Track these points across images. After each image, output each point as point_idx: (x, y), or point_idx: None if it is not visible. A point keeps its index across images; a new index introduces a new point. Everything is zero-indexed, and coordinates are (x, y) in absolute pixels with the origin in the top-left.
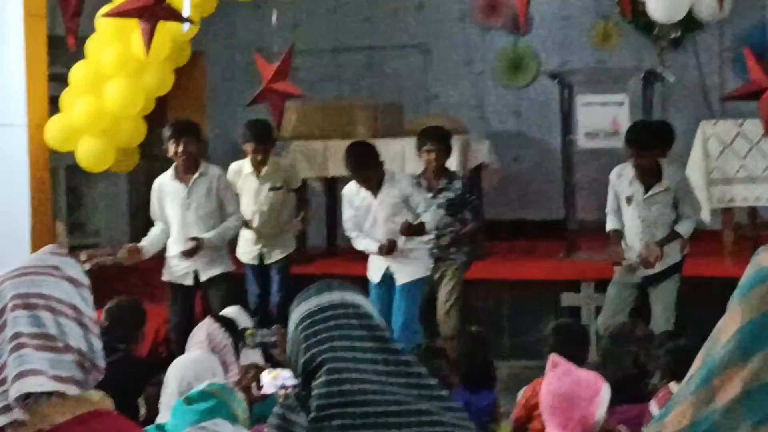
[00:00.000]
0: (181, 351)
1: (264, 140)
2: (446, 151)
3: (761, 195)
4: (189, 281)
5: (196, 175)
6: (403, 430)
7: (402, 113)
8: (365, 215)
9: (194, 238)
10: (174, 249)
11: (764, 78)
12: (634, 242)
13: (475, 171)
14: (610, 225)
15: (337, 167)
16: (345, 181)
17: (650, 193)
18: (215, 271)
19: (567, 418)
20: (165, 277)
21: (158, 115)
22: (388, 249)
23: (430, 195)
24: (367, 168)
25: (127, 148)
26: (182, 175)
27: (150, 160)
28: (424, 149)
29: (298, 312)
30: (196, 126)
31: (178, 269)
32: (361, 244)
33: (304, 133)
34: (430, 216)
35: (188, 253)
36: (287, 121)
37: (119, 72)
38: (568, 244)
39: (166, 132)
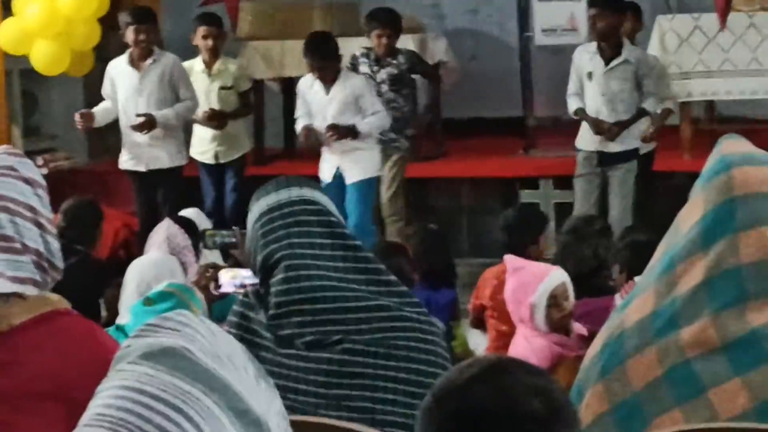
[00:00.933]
0: (143, 245)
1: (213, 23)
2: (395, 33)
3: (718, 89)
4: (141, 167)
5: (149, 61)
6: (362, 326)
7: (358, 12)
8: (316, 111)
9: (145, 114)
10: (127, 135)
11: None
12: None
13: (433, 68)
14: (573, 105)
15: (293, 67)
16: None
17: (610, 65)
18: (165, 163)
19: (519, 309)
20: (120, 165)
21: (113, 17)
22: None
23: (375, 68)
24: (324, 57)
25: (82, 52)
26: (136, 62)
27: (106, 64)
28: (373, 33)
29: (256, 208)
30: (153, 14)
31: (130, 157)
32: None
33: (260, 33)
34: (375, 119)
35: (139, 128)
36: (243, 21)
37: None
38: (526, 141)
39: (125, 18)
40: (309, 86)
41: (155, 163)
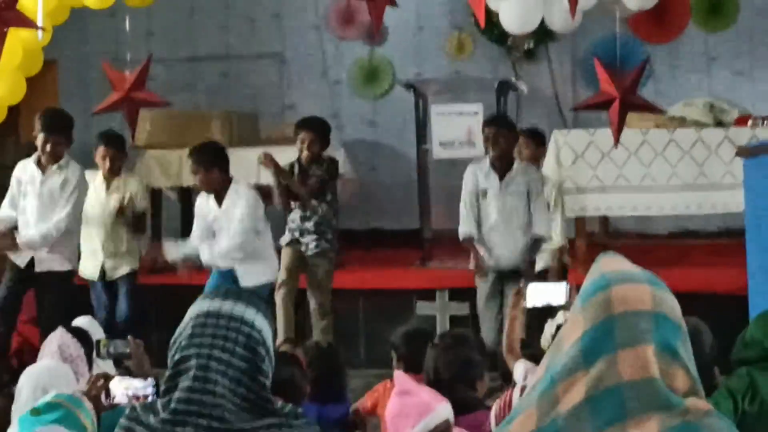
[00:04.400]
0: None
1: (112, 144)
2: (321, 139)
3: (612, 204)
4: (22, 263)
5: (54, 167)
6: None
7: (257, 122)
8: (212, 225)
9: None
10: (24, 230)
11: (613, 88)
12: (492, 239)
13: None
14: (465, 229)
15: (191, 176)
16: (200, 191)
17: (506, 180)
18: (51, 267)
19: None
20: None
21: (9, 124)
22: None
23: (300, 177)
24: (211, 166)
25: None
26: (43, 165)
27: (2, 169)
28: (299, 138)
29: (197, 307)
30: (68, 122)
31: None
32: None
33: (159, 142)
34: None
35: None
36: (141, 129)
37: None
38: (423, 253)
39: (38, 123)
40: (205, 203)
41: (42, 265)
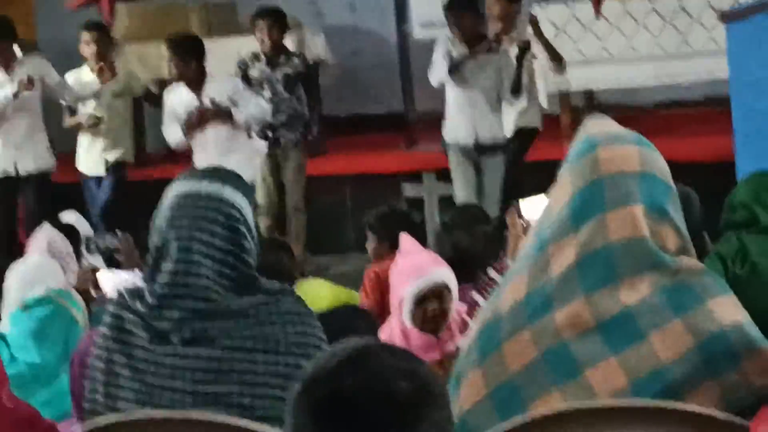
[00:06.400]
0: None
1: (94, 28)
2: (280, 27)
3: (595, 77)
4: (11, 169)
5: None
6: (240, 321)
7: (236, 11)
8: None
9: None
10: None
11: None
12: (465, 111)
13: (312, 67)
14: (439, 72)
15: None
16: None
17: (478, 60)
18: (33, 167)
19: (393, 295)
20: None
21: None
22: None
23: (268, 69)
24: (189, 57)
25: None
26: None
27: None
28: (257, 27)
29: (174, 189)
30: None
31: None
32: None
33: (137, 35)
34: (252, 108)
35: (22, 85)
36: (119, 23)
37: None
38: (407, 136)
39: None
40: (181, 95)
41: (25, 166)
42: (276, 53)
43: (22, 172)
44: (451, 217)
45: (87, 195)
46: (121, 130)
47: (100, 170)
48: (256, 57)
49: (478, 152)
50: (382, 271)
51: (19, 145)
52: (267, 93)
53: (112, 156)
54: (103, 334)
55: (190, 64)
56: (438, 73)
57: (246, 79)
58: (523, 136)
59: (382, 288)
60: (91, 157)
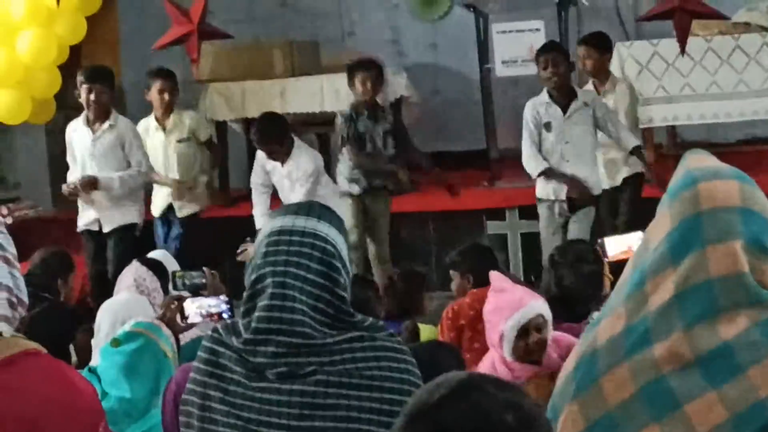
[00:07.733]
0: (100, 300)
1: (168, 77)
2: (380, 80)
3: (679, 114)
4: (95, 227)
5: (105, 126)
6: (335, 357)
7: (318, 50)
8: (279, 180)
9: (89, 176)
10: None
11: None
12: (560, 170)
13: (394, 105)
14: (535, 164)
15: (255, 108)
16: None
17: (569, 112)
18: (117, 223)
19: (491, 332)
20: (78, 227)
21: (73, 64)
22: None
23: (371, 123)
24: (270, 141)
25: (43, 99)
26: (91, 123)
27: (67, 111)
28: (357, 78)
29: (269, 226)
30: (109, 72)
31: (85, 217)
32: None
33: (221, 74)
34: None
35: (84, 186)
36: (203, 63)
37: (31, 22)
38: (490, 173)
39: (79, 77)
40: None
41: (110, 223)
42: (374, 106)
43: (106, 229)
44: (558, 253)
45: (155, 235)
46: (196, 179)
47: (162, 211)
48: (356, 108)
49: (570, 209)
50: (461, 308)
51: (111, 203)
52: (368, 146)
53: (185, 212)
54: (198, 369)
55: (278, 146)
56: (533, 164)
57: (350, 131)
58: (635, 180)
59: (458, 325)
60: (160, 201)
